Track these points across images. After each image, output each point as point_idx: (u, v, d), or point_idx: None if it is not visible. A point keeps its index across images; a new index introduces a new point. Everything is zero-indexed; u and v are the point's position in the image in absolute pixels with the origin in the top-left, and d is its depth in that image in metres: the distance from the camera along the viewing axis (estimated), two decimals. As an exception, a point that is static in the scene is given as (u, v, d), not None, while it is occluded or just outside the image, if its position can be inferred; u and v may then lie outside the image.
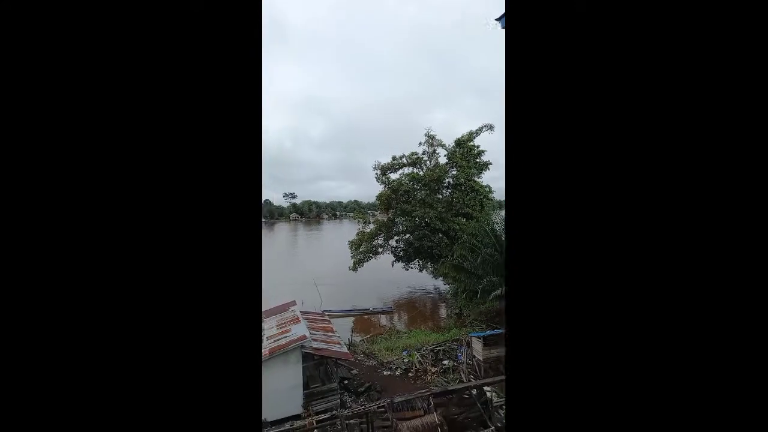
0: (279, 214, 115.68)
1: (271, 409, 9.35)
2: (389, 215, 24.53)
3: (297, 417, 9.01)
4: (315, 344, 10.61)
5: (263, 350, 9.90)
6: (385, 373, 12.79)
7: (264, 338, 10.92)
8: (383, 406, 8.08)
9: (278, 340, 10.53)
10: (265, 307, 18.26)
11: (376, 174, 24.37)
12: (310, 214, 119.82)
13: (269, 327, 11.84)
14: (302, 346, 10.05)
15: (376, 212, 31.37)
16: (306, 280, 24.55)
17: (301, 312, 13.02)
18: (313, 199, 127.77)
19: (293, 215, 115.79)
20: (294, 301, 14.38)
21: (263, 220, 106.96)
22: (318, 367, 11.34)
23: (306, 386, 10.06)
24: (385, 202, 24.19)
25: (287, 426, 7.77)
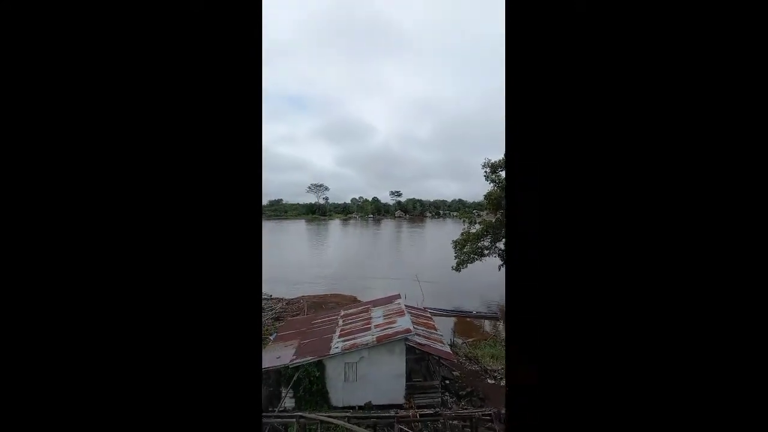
0: (385, 211, 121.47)
1: (375, 394, 9.94)
2: (498, 216, 23.19)
3: (399, 406, 9.34)
4: (418, 339, 10.81)
5: (371, 337, 10.57)
6: (488, 381, 12.21)
7: (372, 326, 11.64)
8: (489, 415, 7.72)
9: (385, 329, 11.08)
10: (370, 297, 19.52)
11: (486, 172, 23.26)
12: (414, 211, 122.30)
13: (376, 316, 12.56)
14: (406, 339, 10.36)
15: (482, 212, 30.06)
16: (407, 276, 25.16)
17: (405, 306, 13.42)
18: (417, 197, 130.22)
19: (398, 212, 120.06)
20: (399, 294, 14.90)
21: (370, 216, 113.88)
22: (419, 362, 11.53)
23: (408, 378, 10.34)
24: (494, 201, 22.95)
25: (392, 413, 8.11)
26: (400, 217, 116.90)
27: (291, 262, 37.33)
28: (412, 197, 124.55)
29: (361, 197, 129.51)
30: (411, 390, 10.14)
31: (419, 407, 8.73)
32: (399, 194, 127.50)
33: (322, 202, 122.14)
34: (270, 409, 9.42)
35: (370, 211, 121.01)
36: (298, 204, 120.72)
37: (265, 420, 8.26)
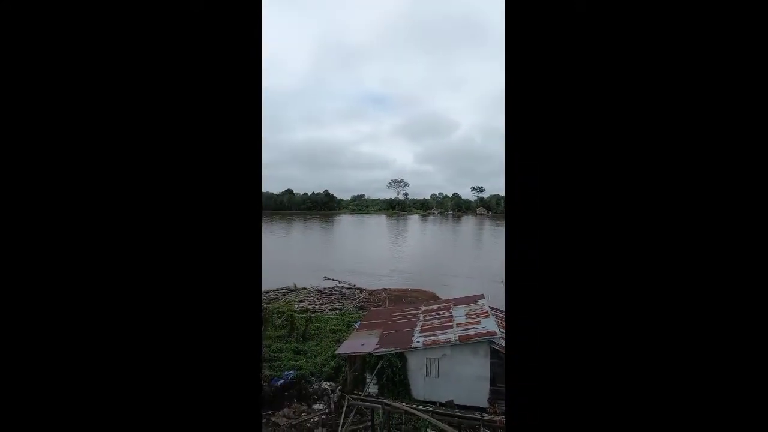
0: (466, 208, 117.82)
1: (457, 393, 9.80)
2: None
3: (482, 410, 9.06)
4: (504, 343, 10.29)
5: (454, 336, 10.43)
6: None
7: (453, 324, 11.47)
8: None
9: (467, 329, 10.82)
10: (448, 295, 19.20)
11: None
12: (497, 208, 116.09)
13: (458, 315, 12.33)
14: (491, 342, 9.95)
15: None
16: (488, 276, 24.05)
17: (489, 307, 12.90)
18: (501, 194, 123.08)
19: (480, 209, 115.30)
20: (482, 294, 14.36)
21: (449, 212, 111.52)
22: (504, 366, 10.98)
23: (492, 383, 9.95)
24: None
25: (477, 414, 7.91)
26: (482, 214, 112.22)
27: (371, 255, 38.82)
28: (495, 194, 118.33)
29: (441, 193, 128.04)
30: (495, 395, 9.74)
31: (504, 414, 8.34)
32: (481, 190, 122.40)
33: (402, 197, 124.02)
34: (355, 392, 10.01)
35: (450, 207, 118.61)
36: (379, 199, 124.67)
37: (351, 402, 8.81)
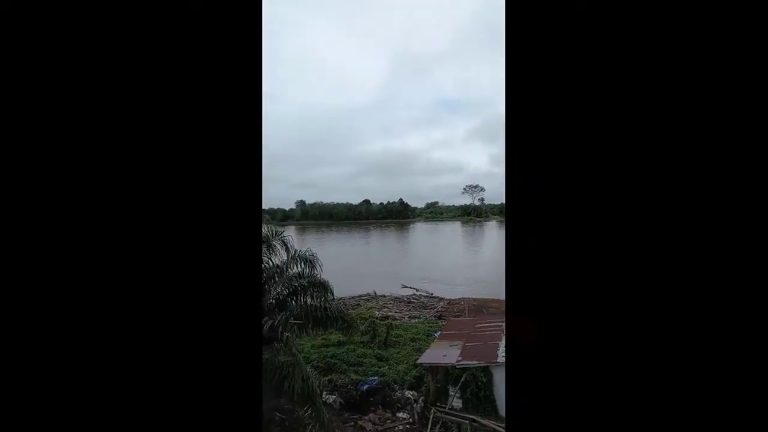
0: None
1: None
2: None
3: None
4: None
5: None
6: None
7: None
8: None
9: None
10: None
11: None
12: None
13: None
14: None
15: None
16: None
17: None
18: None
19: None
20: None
21: (496, 218, 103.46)
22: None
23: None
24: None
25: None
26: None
27: (445, 262, 38.10)
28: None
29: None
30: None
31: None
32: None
33: (477, 203, 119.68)
34: (438, 404, 9.88)
35: (493, 212, 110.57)
36: (453, 206, 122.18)
37: (437, 414, 8.72)
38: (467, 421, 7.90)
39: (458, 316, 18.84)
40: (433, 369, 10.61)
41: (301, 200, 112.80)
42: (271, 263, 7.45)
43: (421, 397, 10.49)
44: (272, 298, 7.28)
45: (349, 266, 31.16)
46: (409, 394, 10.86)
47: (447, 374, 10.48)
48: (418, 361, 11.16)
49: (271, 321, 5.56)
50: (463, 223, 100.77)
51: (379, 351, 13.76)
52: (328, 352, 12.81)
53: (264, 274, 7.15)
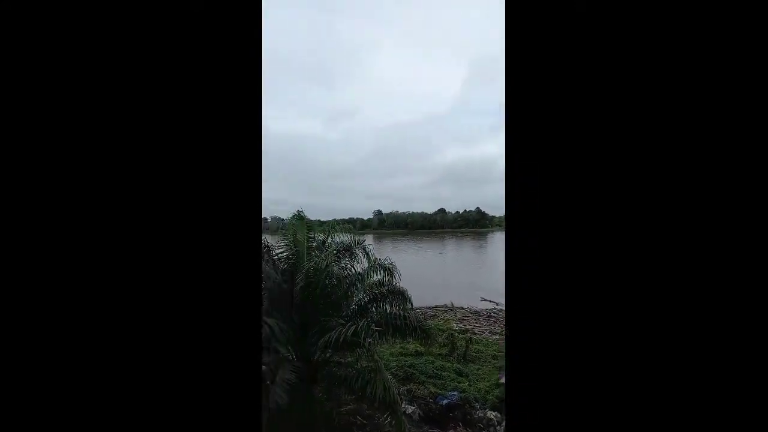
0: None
1: None
2: None
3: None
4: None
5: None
6: None
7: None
8: None
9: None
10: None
11: None
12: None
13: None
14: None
15: None
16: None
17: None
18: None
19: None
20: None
21: None
22: None
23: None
24: None
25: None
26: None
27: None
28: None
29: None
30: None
31: None
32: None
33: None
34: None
35: None
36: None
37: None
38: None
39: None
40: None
41: (378, 210, 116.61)
42: (353, 270, 7.76)
43: (505, 420, 9.77)
44: (354, 304, 7.57)
45: (424, 275, 30.90)
46: (491, 414, 10.20)
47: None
48: (501, 381, 10.45)
49: (354, 326, 5.76)
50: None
51: (458, 365, 13.28)
52: (407, 361, 12.78)
53: (347, 281, 7.49)
